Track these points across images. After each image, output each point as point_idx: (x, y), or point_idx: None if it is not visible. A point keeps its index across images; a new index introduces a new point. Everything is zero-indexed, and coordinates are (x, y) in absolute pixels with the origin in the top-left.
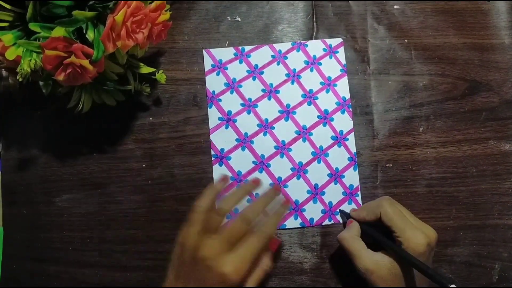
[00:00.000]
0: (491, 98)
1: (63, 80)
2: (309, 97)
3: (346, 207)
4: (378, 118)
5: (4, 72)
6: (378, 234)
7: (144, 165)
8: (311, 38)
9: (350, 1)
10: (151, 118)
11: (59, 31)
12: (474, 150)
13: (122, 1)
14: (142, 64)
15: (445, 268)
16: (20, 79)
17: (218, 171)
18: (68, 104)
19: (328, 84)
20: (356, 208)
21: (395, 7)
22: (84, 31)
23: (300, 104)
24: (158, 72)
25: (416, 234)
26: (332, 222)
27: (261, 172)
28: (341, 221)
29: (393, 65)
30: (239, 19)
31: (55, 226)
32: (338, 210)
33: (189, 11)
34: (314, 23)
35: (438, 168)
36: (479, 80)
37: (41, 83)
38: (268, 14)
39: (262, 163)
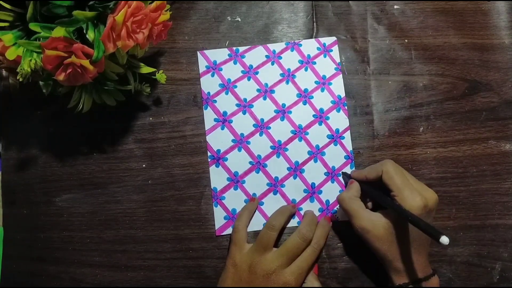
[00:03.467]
0: (491, 98)
1: (63, 80)
2: (304, 96)
3: None
4: (378, 118)
5: (4, 72)
6: (376, 192)
7: (144, 165)
8: (311, 38)
9: (350, 1)
10: (151, 118)
11: (59, 31)
12: (474, 150)
13: (123, 1)
14: (142, 64)
15: (445, 268)
16: (21, 79)
17: (215, 172)
18: (68, 104)
19: (323, 83)
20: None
21: (395, 7)
22: (85, 31)
23: (296, 103)
24: (158, 72)
25: (414, 195)
26: None
27: (257, 172)
28: (339, 219)
29: (393, 65)
30: (239, 19)
31: (55, 226)
32: (340, 172)
33: (189, 11)
34: (314, 23)
35: (438, 168)
36: (479, 80)
37: (41, 83)
38: (268, 14)
39: (258, 163)
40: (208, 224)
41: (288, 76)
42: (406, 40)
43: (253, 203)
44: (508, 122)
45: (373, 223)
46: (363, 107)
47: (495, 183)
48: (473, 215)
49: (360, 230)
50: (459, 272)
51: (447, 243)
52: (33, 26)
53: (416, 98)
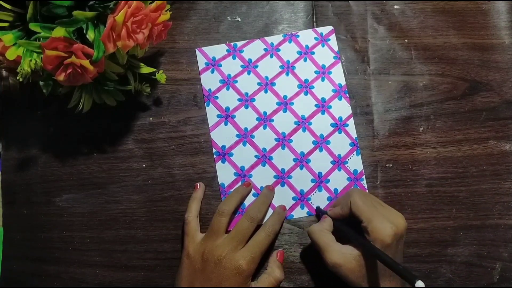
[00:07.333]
0: (491, 98)
1: (63, 80)
2: (305, 86)
3: None
4: (378, 118)
5: (4, 72)
6: (347, 228)
7: (144, 165)
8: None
9: (350, 1)
10: (151, 118)
11: (59, 31)
12: (474, 150)
13: (123, 1)
14: (142, 64)
15: (445, 268)
16: (21, 79)
17: (222, 168)
18: (68, 104)
19: (323, 72)
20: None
21: (395, 7)
22: (85, 31)
23: (297, 94)
24: (158, 72)
25: (383, 225)
26: None
27: (264, 165)
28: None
29: (393, 65)
30: (239, 19)
31: (55, 226)
32: (315, 207)
33: (189, 11)
34: (314, 23)
35: (438, 168)
36: (479, 80)
37: (41, 83)
38: (268, 14)
39: (264, 157)
40: (208, 224)
41: (287, 67)
42: (406, 40)
43: (198, 190)
44: (508, 122)
45: (344, 256)
46: (363, 107)
47: (495, 183)
48: (473, 215)
49: (332, 264)
50: (459, 272)
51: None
52: (33, 26)
53: (416, 98)
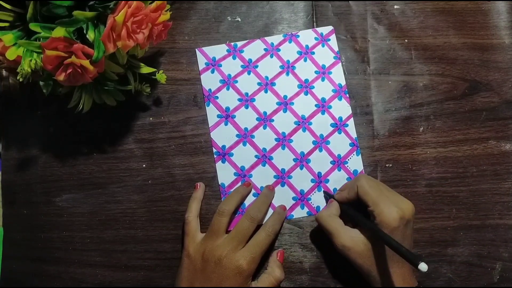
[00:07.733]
0: (491, 98)
1: (63, 80)
2: (305, 86)
3: None
4: (378, 118)
5: (4, 72)
6: (354, 212)
7: (144, 165)
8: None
9: (350, 1)
10: (151, 118)
11: (59, 31)
12: (474, 150)
13: (123, 1)
14: (142, 64)
15: (445, 268)
16: (21, 79)
17: (222, 168)
18: (68, 104)
19: (323, 72)
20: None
21: (395, 7)
22: (85, 31)
23: (297, 94)
24: (158, 72)
25: (390, 208)
26: None
27: (264, 165)
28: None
29: (393, 65)
30: (239, 19)
31: (55, 226)
32: (323, 191)
33: (189, 11)
34: (314, 23)
35: (438, 168)
36: (479, 80)
37: (41, 83)
38: (268, 14)
39: (264, 157)
40: (208, 224)
41: (287, 67)
42: (406, 40)
43: (198, 190)
44: (508, 122)
45: (353, 239)
46: (363, 107)
47: (495, 183)
48: (473, 215)
49: (341, 248)
50: (459, 272)
51: (426, 270)
52: (33, 26)
53: (416, 98)
